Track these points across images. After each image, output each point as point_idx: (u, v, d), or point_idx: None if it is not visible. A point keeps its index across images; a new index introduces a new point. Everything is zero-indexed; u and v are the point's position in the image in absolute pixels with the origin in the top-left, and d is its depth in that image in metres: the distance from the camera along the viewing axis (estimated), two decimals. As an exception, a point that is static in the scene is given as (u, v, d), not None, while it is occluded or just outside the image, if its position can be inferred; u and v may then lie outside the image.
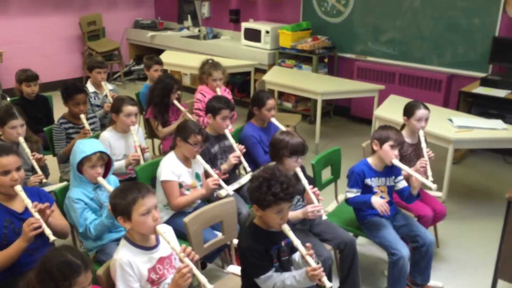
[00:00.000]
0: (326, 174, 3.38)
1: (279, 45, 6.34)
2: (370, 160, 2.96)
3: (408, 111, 3.32)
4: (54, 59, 7.30)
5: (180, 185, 2.97)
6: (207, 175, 3.07)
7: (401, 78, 5.74)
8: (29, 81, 4.16)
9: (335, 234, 2.83)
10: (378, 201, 2.79)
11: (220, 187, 2.99)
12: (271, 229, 2.21)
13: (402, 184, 2.97)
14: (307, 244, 2.14)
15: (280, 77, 5.67)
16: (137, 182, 2.17)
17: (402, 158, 3.24)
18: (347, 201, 2.94)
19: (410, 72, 5.67)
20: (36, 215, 2.24)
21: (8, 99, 4.61)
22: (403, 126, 3.41)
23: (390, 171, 2.95)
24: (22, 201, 2.31)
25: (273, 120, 3.67)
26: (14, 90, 4.40)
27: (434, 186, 2.82)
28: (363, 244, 3.45)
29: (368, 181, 2.91)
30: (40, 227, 2.21)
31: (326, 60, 6.32)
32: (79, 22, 7.41)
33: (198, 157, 3.02)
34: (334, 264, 2.96)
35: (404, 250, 2.78)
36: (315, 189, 2.71)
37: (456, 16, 5.27)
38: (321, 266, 2.08)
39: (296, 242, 2.13)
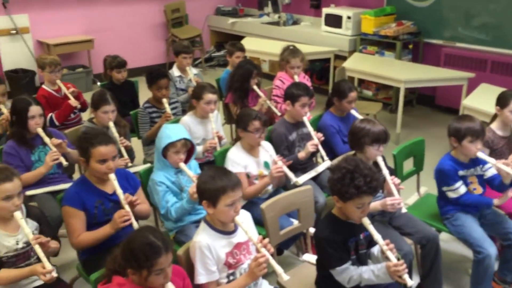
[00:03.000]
0: (408, 165, 3.25)
1: (361, 31, 6.15)
2: (454, 153, 2.80)
3: (502, 101, 3.09)
4: (140, 45, 7.61)
5: (248, 176, 2.98)
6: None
7: (494, 66, 5.35)
8: (119, 67, 4.36)
9: (416, 228, 2.72)
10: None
11: (306, 168, 2.94)
12: (350, 221, 2.17)
13: (491, 172, 2.79)
14: (386, 240, 2.07)
15: (360, 64, 5.51)
16: (227, 170, 2.18)
17: (493, 152, 3.04)
18: (455, 200, 2.77)
19: (504, 59, 5.27)
20: (127, 207, 2.34)
21: (99, 83, 4.88)
22: (493, 118, 3.19)
23: (477, 160, 2.78)
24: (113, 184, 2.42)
25: (353, 111, 3.57)
26: (102, 75, 4.64)
27: None
28: (446, 240, 3.28)
29: (461, 172, 2.76)
30: (129, 219, 2.32)
31: (410, 46, 6.04)
32: (164, 10, 7.65)
33: (264, 143, 3.00)
34: (415, 260, 2.85)
35: (491, 248, 2.61)
36: (396, 178, 2.61)
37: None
38: (404, 262, 2.01)
39: (377, 236, 2.07)
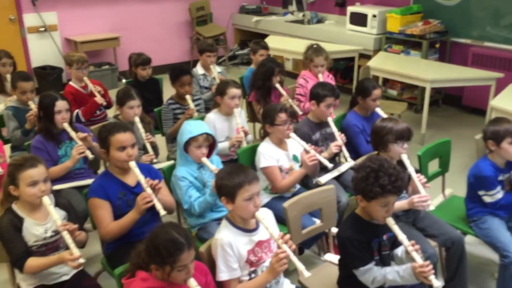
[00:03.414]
0: (432, 166, 3.19)
1: (386, 29, 6.07)
2: (491, 157, 2.74)
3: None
4: (165, 43, 7.68)
5: (280, 169, 2.98)
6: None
7: (523, 66, 5.22)
8: (144, 64, 4.41)
9: (441, 230, 2.68)
10: None
11: (321, 166, 2.94)
12: (373, 221, 2.15)
13: None
14: (412, 241, 2.05)
15: (386, 63, 5.44)
16: (244, 166, 2.19)
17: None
18: (491, 204, 2.73)
19: (535, 60, 5.14)
20: (149, 190, 2.37)
21: (124, 81, 4.94)
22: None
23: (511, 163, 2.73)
24: (135, 176, 2.46)
25: (378, 110, 3.53)
26: (127, 73, 4.69)
27: None
28: (471, 243, 3.21)
29: (500, 177, 2.72)
30: (151, 201, 2.34)
31: (437, 45, 5.93)
32: (189, 8, 7.70)
33: (293, 135, 3.00)
34: (439, 263, 2.80)
35: (519, 253, 2.55)
36: (422, 177, 2.57)
37: None
38: (430, 263, 1.99)
39: (402, 237, 2.05)
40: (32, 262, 2.19)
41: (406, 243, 2.04)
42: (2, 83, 4.11)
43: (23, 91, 3.63)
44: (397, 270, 2.08)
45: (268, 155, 2.96)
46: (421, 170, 3.03)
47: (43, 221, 2.27)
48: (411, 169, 2.59)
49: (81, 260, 2.12)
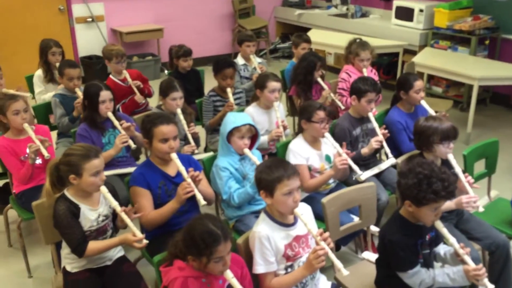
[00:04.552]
0: (478, 167, 3.09)
1: (433, 24, 5.89)
2: None
3: None
4: (207, 35, 7.73)
5: (309, 168, 2.94)
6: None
7: None
8: (185, 56, 4.45)
9: (486, 234, 2.59)
10: None
11: (369, 164, 2.88)
12: (418, 223, 2.11)
13: None
14: (461, 244, 2.03)
15: (431, 59, 5.29)
16: (284, 161, 2.19)
17: None
18: None
19: None
20: (190, 181, 2.40)
21: (166, 72, 5.01)
22: None
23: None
24: (175, 166, 2.49)
25: (423, 102, 3.42)
26: (167, 64, 4.75)
27: None
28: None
29: None
30: (192, 191, 2.37)
31: (487, 42, 5.72)
32: (232, 0, 7.71)
33: (328, 135, 2.95)
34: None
35: None
36: (470, 177, 2.49)
37: None
38: (483, 266, 1.97)
39: (452, 240, 2.03)
40: (93, 245, 2.26)
41: (456, 246, 2.03)
42: (51, 72, 4.24)
43: (70, 77, 3.74)
44: (447, 272, 2.06)
45: (298, 153, 2.92)
46: (466, 170, 2.94)
47: (96, 207, 2.34)
48: (458, 169, 2.52)
49: (145, 241, 2.19)
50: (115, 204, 2.26)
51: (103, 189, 2.27)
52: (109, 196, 2.27)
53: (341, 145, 2.93)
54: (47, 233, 2.39)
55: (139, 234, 2.21)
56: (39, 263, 3.19)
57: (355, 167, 2.86)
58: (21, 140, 3.06)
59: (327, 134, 2.95)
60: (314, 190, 2.94)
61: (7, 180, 3.32)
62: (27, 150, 2.94)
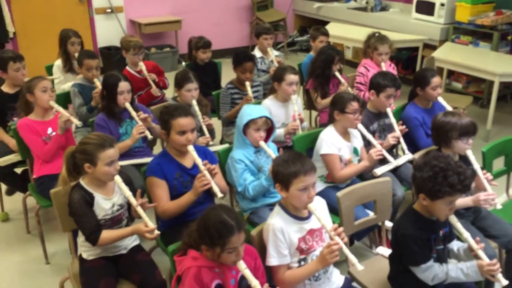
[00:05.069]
0: (497, 165, 3.04)
1: (455, 19, 5.79)
2: None
3: None
4: (225, 28, 7.73)
5: (340, 159, 2.93)
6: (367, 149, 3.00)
7: None
8: (205, 47, 4.45)
9: (503, 232, 2.56)
10: None
11: (384, 159, 2.89)
12: (432, 217, 2.09)
13: None
14: (477, 238, 2.01)
15: (452, 55, 5.21)
16: (302, 155, 2.17)
17: None
18: None
19: None
20: (206, 173, 2.41)
21: (183, 63, 5.02)
22: None
23: None
24: (191, 158, 2.50)
25: (440, 99, 3.39)
26: (186, 56, 4.76)
27: None
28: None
29: None
30: (209, 184, 2.39)
31: (509, 37, 5.62)
32: (250, -8, 7.71)
33: (360, 126, 2.95)
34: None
35: None
36: (488, 174, 2.45)
37: None
38: (497, 261, 1.96)
39: (466, 235, 2.01)
40: (106, 234, 2.29)
41: (471, 241, 2.01)
42: (70, 61, 4.28)
43: (89, 67, 3.78)
44: (461, 267, 2.04)
45: (331, 142, 2.91)
46: (485, 167, 2.90)
47: (110, 196, 2.36)
48: (476, 166, 2.49)
49: (157, 232, 2.21)
50: (128, 194, 2.28)
51: (118, 178, 2.30)
52: (123, 186, 2.29)
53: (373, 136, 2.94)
54: (65, 221, 2.42)
55: (151, 225, 2.23)
56: (56, 250, 3.25)
57: (390, 157, 2.88)
58: (44, 122, 3.13)
59: (360, 125, 2.95)
60: (343, 181, 2.94)
61: (26, 167, 3.38)
62: (59, 121, 3.03)
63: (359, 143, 3.03)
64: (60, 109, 3.11)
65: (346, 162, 2.96)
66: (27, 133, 3.06)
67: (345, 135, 3.00)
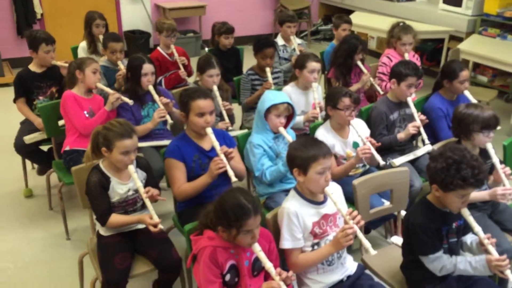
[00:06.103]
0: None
1: (483, 11, 5.68)
2: None
3: None
4: (248, 14, 7.72)
5: (335, 156, 2.91)
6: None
7: None
8: (227, 33, 4.48)
9: (520, 226, 2.53)
10: None
11: (404, 149, 2.84)
12: (445, 209, 2.08)
13: None
14: (487, 234, 1.99)
15: (478, 47, 5.11)
16: (318, 140, 2.18)
17: None
18: None
19: None
20: (222, 157, 2.45)
21: (206, 49, 5.05)
22: None
23: None
24: (210, 140, 2.54)
25: (466, 93, 3.34)
26: (209, 41, 4.80)
27: None
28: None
29: None
30: (224, 167, 2.42)
31: (539, 31, 5.48)
32: (275, -20, 7.67)
33: (353, 123, 2.87)
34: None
35: None
36: (507, 168, 2.43)
37: None
38: (506, 257, 1.93)
39: (477, 228, 1.99)
40: (114, 219, 2.37)
41: (482, 236, 1.99)
42: (95, 43, 4.35)
43: (113, 50, 3.84)
44: (469, 260, 2.03)
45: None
46: (506, 162, 2.86)
47: (126, 181, 2.43)
48: (496, 160, 2.46)
49: (160, 226, 2.28)
50: (139, 185, 2.34)
51: (131, 168, 2.35)
52: (135, 176, 2.35)
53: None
54: (85, 197, 2.49)
55: (156, 218, 2.29)
56: (77, 227, 3.34)
57: (377, 157, 2.77)
58: (86, 100, 3.23)
59: (353, 122, 2.90)
60: (339, 178, 2.89)
61: (51, 146, 3.46)
62: (110, 97, 3.15)
63: (359, 137, 2.90)
64: (108, 89, 3.27)
65: (345, 157, 2.92)
66: (73, 104, 3.13)
67: (341, 130, 2.95)
